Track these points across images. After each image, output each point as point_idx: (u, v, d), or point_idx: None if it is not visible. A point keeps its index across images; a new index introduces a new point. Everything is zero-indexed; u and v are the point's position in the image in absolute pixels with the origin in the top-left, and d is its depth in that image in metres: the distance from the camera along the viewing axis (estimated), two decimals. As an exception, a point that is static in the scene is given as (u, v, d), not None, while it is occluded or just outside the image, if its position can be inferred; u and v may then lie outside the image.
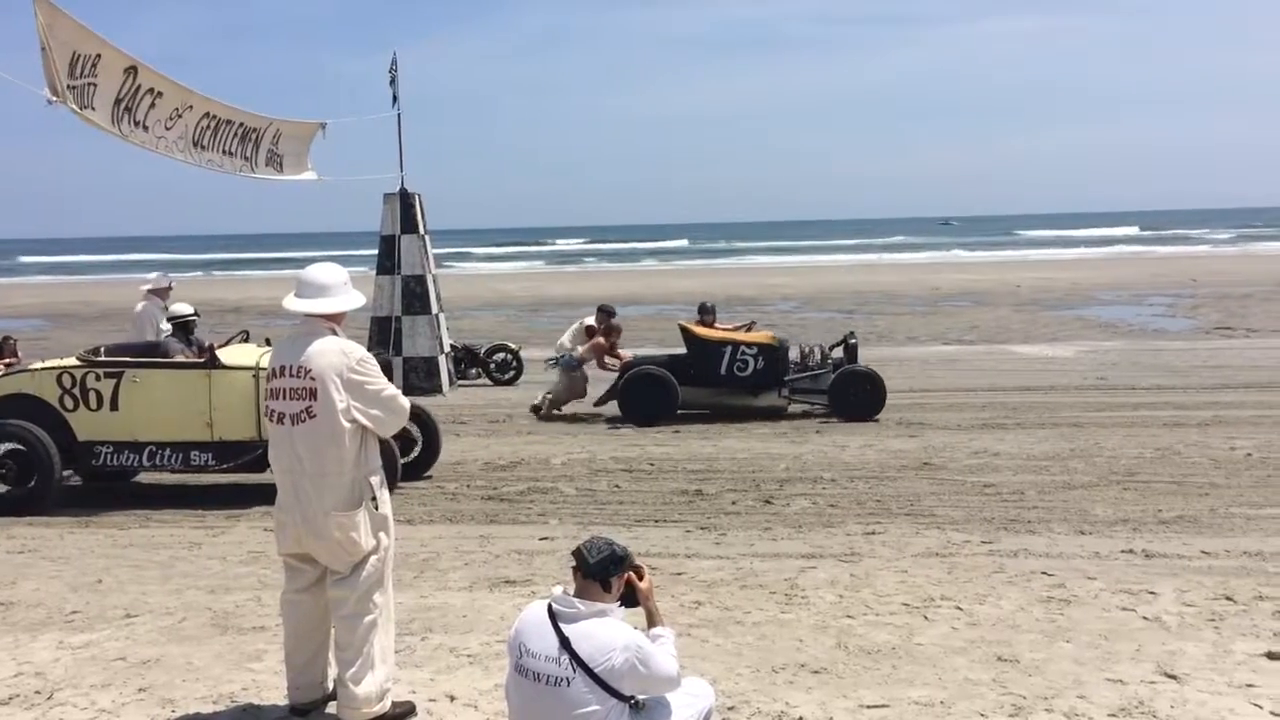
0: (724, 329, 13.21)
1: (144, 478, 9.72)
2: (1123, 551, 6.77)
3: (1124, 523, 7.53)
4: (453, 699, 4.69)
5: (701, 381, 12.66)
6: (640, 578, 3.72)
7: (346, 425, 4.27)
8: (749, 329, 13.52)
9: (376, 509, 4.40)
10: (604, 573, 3.52)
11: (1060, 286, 35.12)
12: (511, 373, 16.25)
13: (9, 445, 8.49)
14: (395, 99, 15.56)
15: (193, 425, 8.65)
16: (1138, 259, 53.01)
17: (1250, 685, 4.61)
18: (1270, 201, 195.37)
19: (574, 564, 3.59)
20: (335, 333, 4.42)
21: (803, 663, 5.00)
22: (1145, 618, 5.53)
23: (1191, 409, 12.31)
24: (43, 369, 8.93)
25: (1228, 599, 5.76)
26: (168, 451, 8.72)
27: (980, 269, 48.06)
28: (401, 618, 5.35)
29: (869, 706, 4.49)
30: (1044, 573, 6.32)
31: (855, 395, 12.38)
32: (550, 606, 3.49)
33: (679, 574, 6.46)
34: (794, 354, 13.05)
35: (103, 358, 8.86)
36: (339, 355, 4.32)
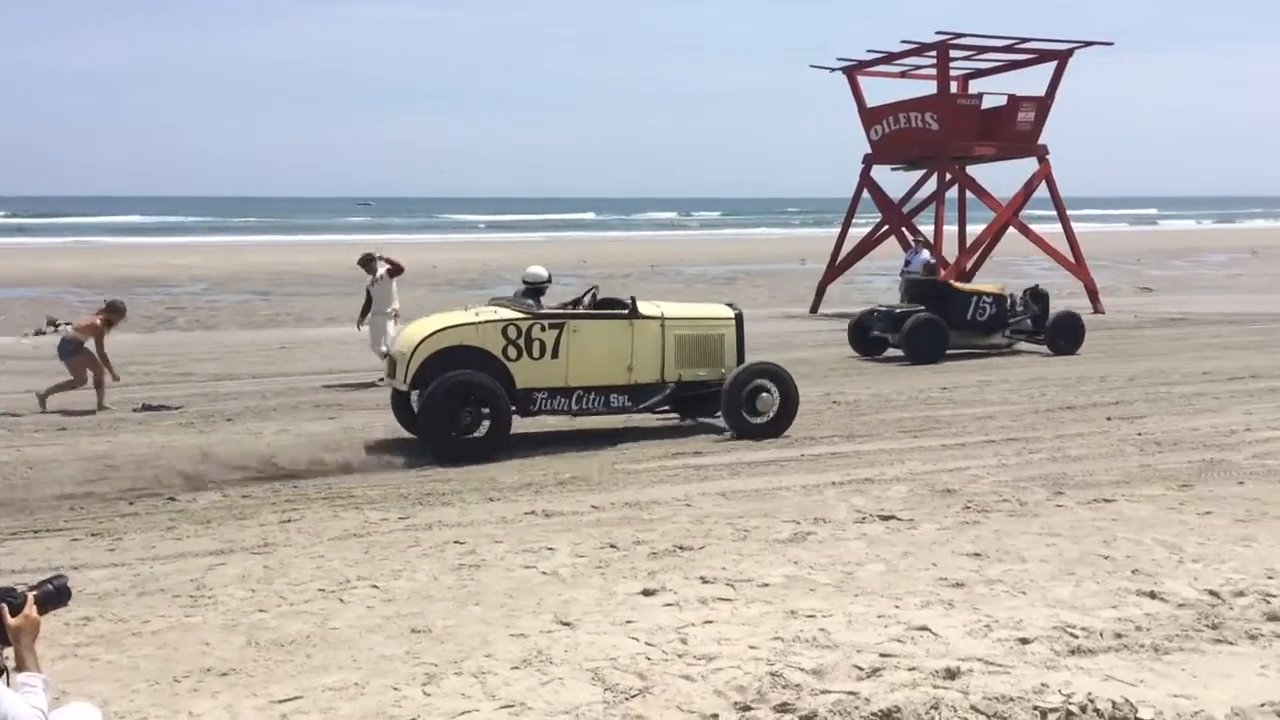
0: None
1: None
2: (526, 513, 7.28)
3: (528, 486, 8.11)
4: None
5: (951, 326, 15.41)
6: (15, 611, 3.15)
7: None
8: None
9: None
10: None
11: (475, 267, 36.93)
12: None
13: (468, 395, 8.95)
14: None
15: (616, 370, 9.63)
16: (550, 242, 57.40)
17: (630, 621, 5.19)
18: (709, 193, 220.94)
19: None
20: None
21: (209, 666, 4.70)
22: (544, 572, 5.99)
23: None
24: (485, 322, 9.28)
25: (612, 547, 6.44)
26: (592, 395, 9.57)
27: (400, 250, 48.94)
28: None
29: (280, 701, 4.33)
30: (456, 541, 6.59)
31: (1068, 334, 15.72)
32: None
33: (63, 589, 5.73)
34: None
35: (545, 310, 9.58)
36: None
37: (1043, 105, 23.15)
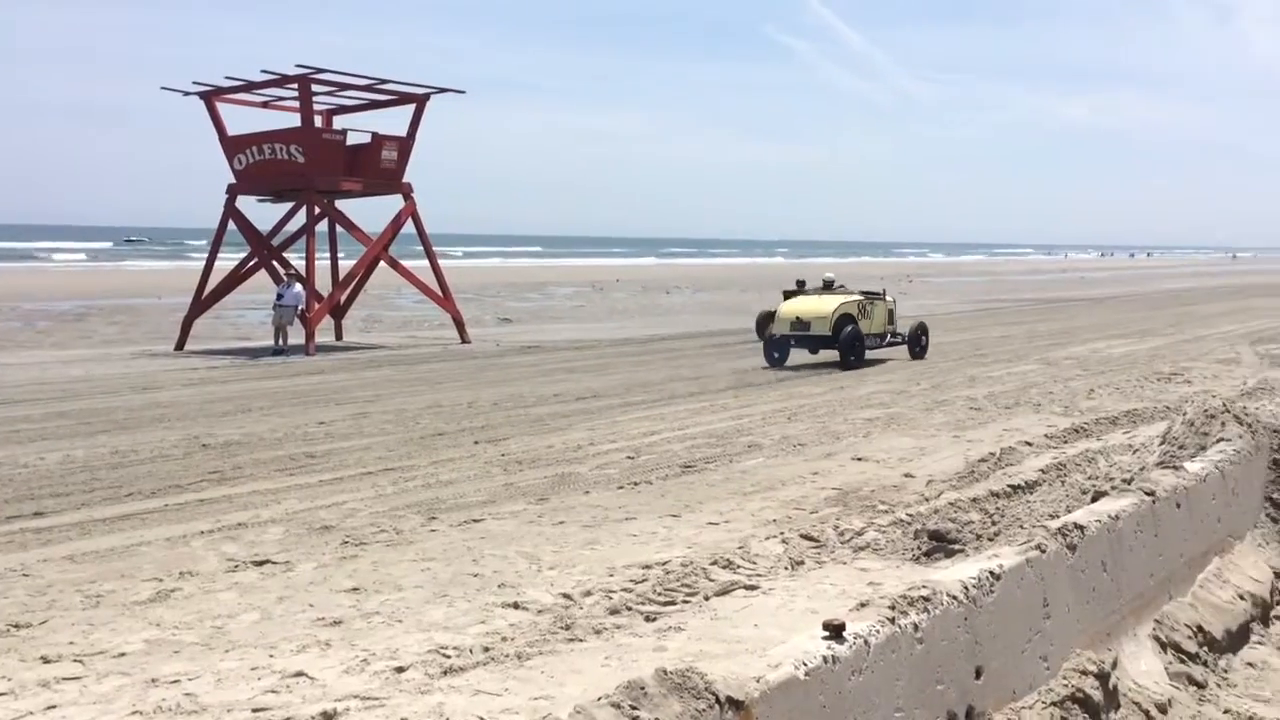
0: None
1: None
2: None
3: None
4: None
5: None
6: None
7: None
8: None
9: None
10: None
11: None
12: None
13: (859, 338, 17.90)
14: None
15: (879, 325, 18.71)
16: None
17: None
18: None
19: None
20: None
21: None
22: None
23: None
24: (855, 299, 18.40)
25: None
26: (873, 339, 18.36)
27: None
28: None
29: None
30: None
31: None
32: None
33: None
34: None
35: (870, 293, 19.10)
36: None
37: (404, 145, 24.12)
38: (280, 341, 21.75)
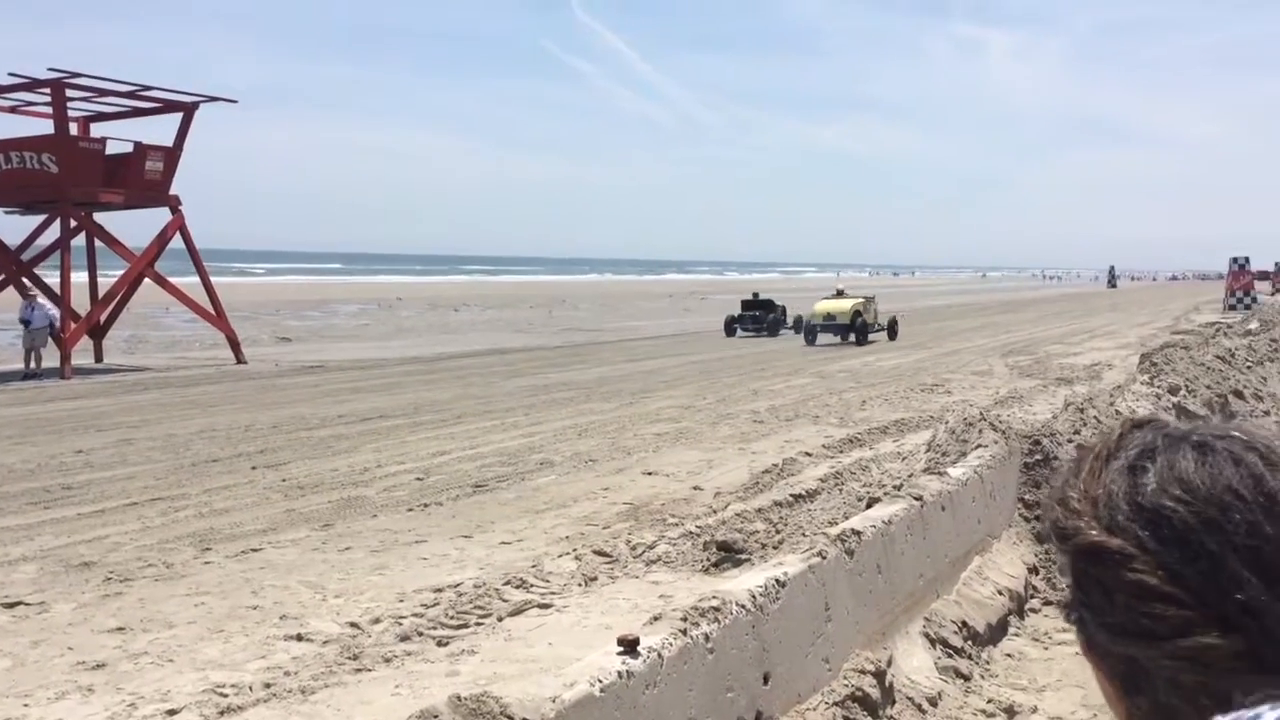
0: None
1: None
2: None
3: None
4: None
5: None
6: None
7: None
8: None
9: None
10: None
11: None
12: None
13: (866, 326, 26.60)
14: None
15: (872, 317, 26.89)
16: None
17: None
18: None
19: None
20: None
21: None
22: None
23: None
24: (861, 299, 26.76)
25: None
26: (869, 328, 26.24)
27: None
28: None
29: None
30: None
31: (774, 327, 30.03)
32: None
33: None
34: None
35: (867, 298, 27.63)
36: None
37: (171, 155, 22.83)
38: (32, 364, 20.10)
